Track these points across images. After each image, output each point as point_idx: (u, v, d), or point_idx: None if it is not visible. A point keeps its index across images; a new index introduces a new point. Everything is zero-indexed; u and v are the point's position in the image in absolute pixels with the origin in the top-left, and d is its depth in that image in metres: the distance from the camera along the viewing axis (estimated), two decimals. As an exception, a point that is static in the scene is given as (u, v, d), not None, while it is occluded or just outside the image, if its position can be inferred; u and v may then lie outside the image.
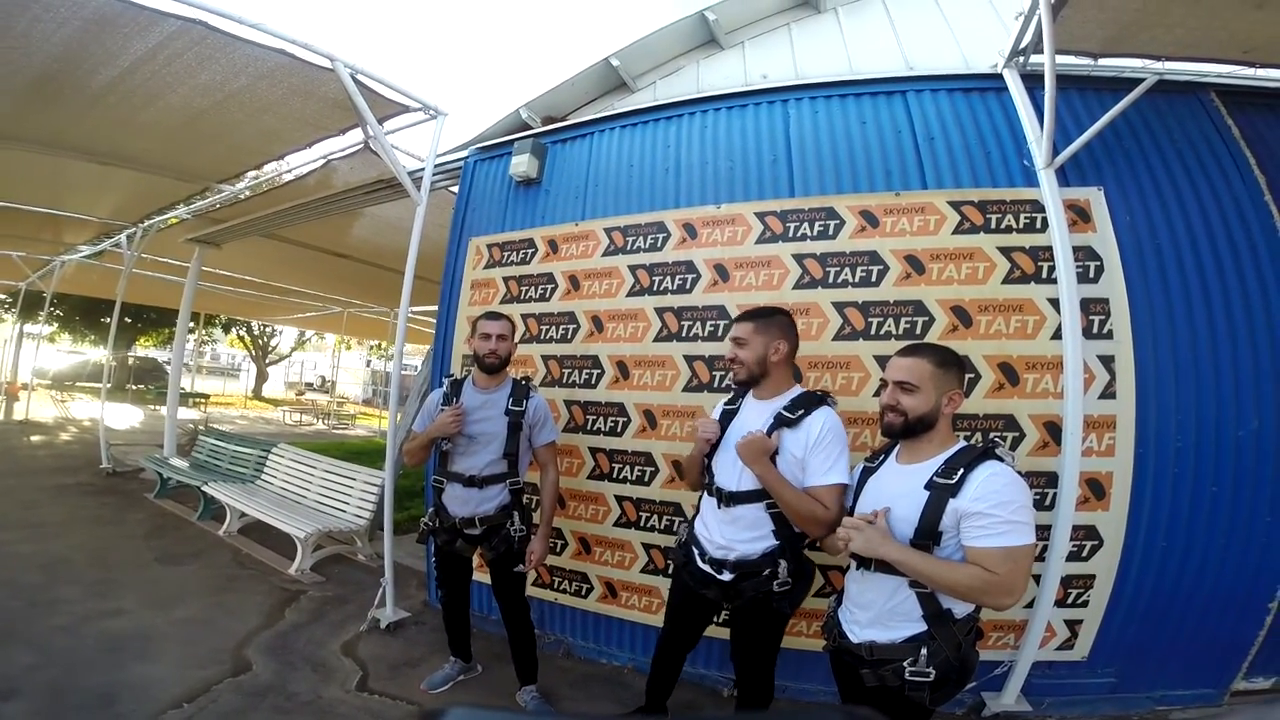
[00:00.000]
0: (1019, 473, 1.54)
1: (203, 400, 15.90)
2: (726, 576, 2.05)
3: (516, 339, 2.90)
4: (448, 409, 2.56)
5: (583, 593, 3.30)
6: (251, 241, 6.84)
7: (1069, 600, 2.63)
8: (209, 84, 3.64)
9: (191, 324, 11.20)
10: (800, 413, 2.00)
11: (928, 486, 1.56)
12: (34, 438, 9.45)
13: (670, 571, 2.35)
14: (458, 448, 2.60)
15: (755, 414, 2.10)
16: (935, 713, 1.62)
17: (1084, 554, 2.61)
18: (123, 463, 7.43)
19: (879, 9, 3.88)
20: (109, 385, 8.69)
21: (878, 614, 1.61)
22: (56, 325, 18.74)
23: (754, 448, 1.95)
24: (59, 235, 8.12)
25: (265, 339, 24.59)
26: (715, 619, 2.32)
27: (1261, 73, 2.92)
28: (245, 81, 3.60)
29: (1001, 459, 1.55)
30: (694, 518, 2.27)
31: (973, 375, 2.69)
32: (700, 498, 2.25)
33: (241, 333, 23.60)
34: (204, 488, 5.34)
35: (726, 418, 2.20)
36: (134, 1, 2.91)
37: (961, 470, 1.53)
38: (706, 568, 2.10)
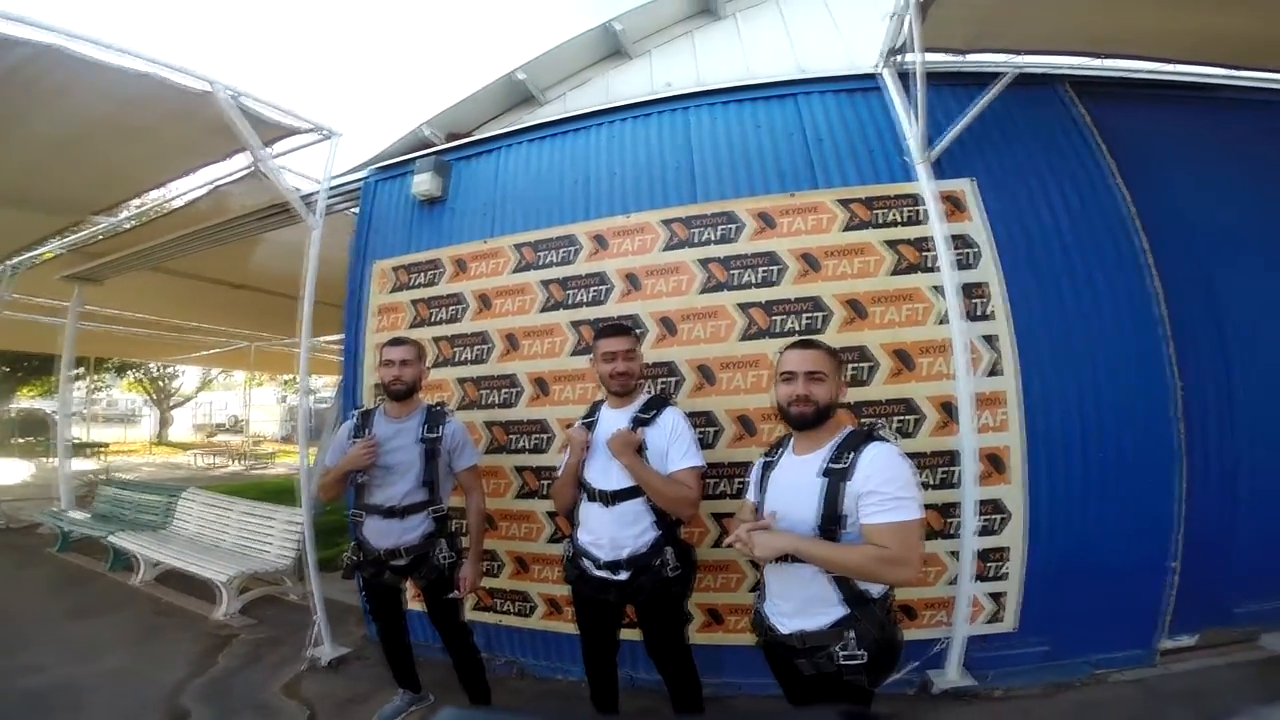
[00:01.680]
0: (902, 452, 1.63)
1: (101, 449, 14.77)
2: (623, 576, 2.18)
3: (427, 363, 2.85)
4: (359, 441, 2.50)
5: (526, 611, 3.27)
6: (139, 276, 6.37)
7: (989, 574, 2.78)
8: (72, 111, 3.42)
9: (80, 369, 10.33)
10: (654, 412, 2.26)
11: (823, 474, 1.62)
12: (-92, 500, 8.54)
13: (571, 589, 2.40)
14: (374, 480, 2.53)
15: (615, 420, 2.29)
16: (881, 695, 1.67)
17: (995, 527, 2.78)
18: (16, 518, 6.93)
19: (774, 14, 4.04)
20: (-10, 440, 7.93)
21: (800, 603, 1.65)
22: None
23: (621, 441, 2.15)
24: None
25: (166, 381, 23.03)
26: (623, 620, 2.39)
27: (1108, 63, 3.22)
28: (113, 107, 3.39)
29: (884, 439, 1.64)
30: (574, 533, 2.36)
31: (872, 364, 2.85)
32: (577, 512, 2.34)
33: (139, 376, 21.97)
34: (110, 538, 5.04)
35: (588, 429, 2.35)
36: None
37: (850, 454, 1.60)
38: (603, 573, 2.21)
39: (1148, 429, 2.81)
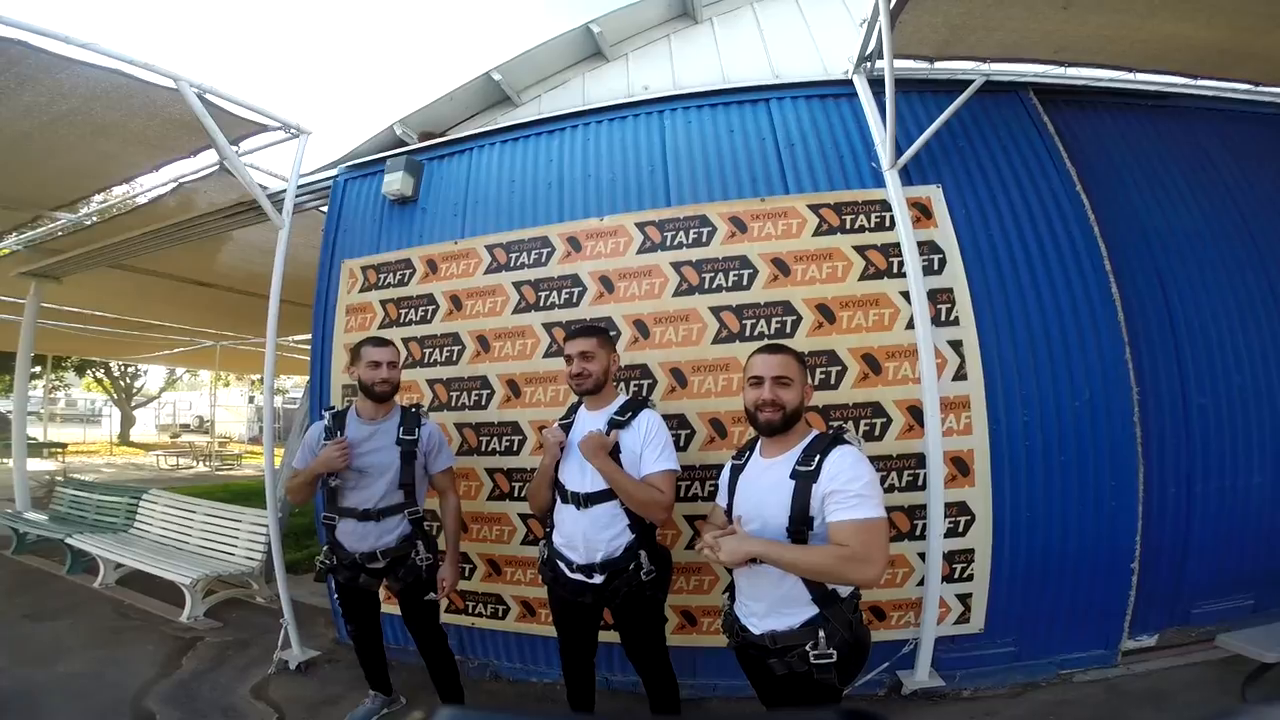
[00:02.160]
0: (865, 455, 1.66)
1: (59, 450, 14.33)
2: (598, 579, 2.18)
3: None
4: (331, 443, 2.45)
5: (500, 614, 3.25)
6: (100, 274, 6.19)
7: (955, 575, 2.82)
8: (32, 105, 3.31)
9: (38, 368, 10.02)
10: (629, 415, 2.25)
11: (792, 476, 1.65)
12: None
13: (547, 590, 2.41)
14: (347, 483, 2.49)
15: (591, 422, 2.30)
16: (851, 695, 1.72)
17: (960, 529, 2.82)
18: (-31, 520, 6.62)
19: (750, 19, 4.06)
20: (-58, 441, 7.65)
21: (771, 604, 1.67)
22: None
23: (593, 443, 2.14)
24: None
25: (128, 380, 22.41)
26: (600, 623, 2.39)
27: (1071, 71, 3.28)
28: (76, 103, 3.30)
29: (849, 443, 1.67)
30: (549, 535, 2.36)
31: (840, 368, 2.89)
32: (553, 515, 2.35)
33: (99, 374, 21.37)
34: (68, 540, 4.91)
35: (564, 431, 2.36)
36: None
37: (818, 457, 1.63)
38: (578, 576, 2.21)
39: (1108, 434, 2.88)
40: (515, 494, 3.22)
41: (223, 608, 4.26)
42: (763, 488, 1.73)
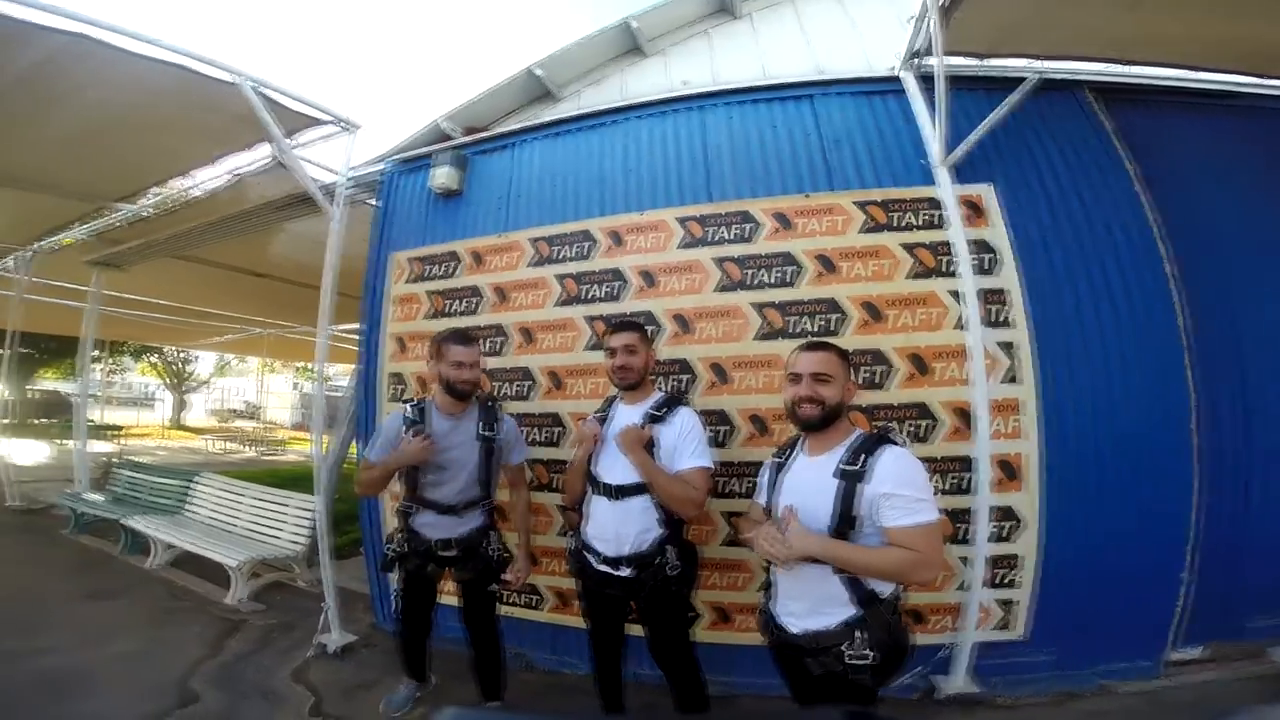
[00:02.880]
0: (914, 455, 1.66)
1: (116, 432, 14.93)
2: (625, 572, 2.20)
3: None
4: (416, 437, 2.43)
5: (535, 604, 3.30)
6: (159, 263, 6.45)
7: (999, 581, 2.76)
8: (101, 100, 3.46)
9: (98, 352, 10.48)
10: (666, 410, 2.27)
11: (836, 475, 1.64)
12: (-74, 479, 8.69)
13: (576, 581, 2.44)
14: (428, 476, 2.50)
15: (628, 416, 2.32)
16: (885, 698, 1.69)
17: (1006, 534, 2.76)
18: (34, 499, 6.96)
19: (791, 15, 4.01)
20: (10, 421, 8.06)
21: (812, 603, 1.66)
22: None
23: (630, 436, 2.18)
24: (-66, 260, 7.46)
25: (181, 365, 23.27)
26: (629, 615, 2.40)
27: (1131, 69, 3.17)
28: (142, 97, 3.43)
29: (896, 442, 1.66)
30: (580, 526, 2.39)
31: (886, 367, 2.85)
32: (587, 505, 2.36)
33: (154, 360, 22.24)
34: (124, 521, 5.09)
35: (601, 424, 2.38)
36: (10, 15, 2.74)
37: (864, 456, 1.62)
38: (604, 568, 2.24)
39: (1164, 441, 2.79)
40: (554, 485, 3.26)
41: (266, 591, 4.39)
42: (807, 486, 1.72)
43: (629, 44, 4.11)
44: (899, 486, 1.55)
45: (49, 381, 21.71)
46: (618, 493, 2.22)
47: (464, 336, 2.56)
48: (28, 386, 19.18)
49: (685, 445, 2.19)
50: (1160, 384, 2.83)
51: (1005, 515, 2.77)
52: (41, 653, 3.18)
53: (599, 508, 2.28)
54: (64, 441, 14.00)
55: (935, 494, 1.66)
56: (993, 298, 2.87)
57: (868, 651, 1.57)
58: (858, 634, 1.57)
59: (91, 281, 6.90)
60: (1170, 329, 2.87)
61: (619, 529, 2.21)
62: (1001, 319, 2.86)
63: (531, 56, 4.47)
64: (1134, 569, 2.77)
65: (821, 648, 1.62)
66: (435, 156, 3.83)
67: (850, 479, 1.61)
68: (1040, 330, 2.86)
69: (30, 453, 11.82)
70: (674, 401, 2.32)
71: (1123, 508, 2.78)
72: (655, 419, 2.24)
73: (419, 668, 2.84)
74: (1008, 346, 2.84)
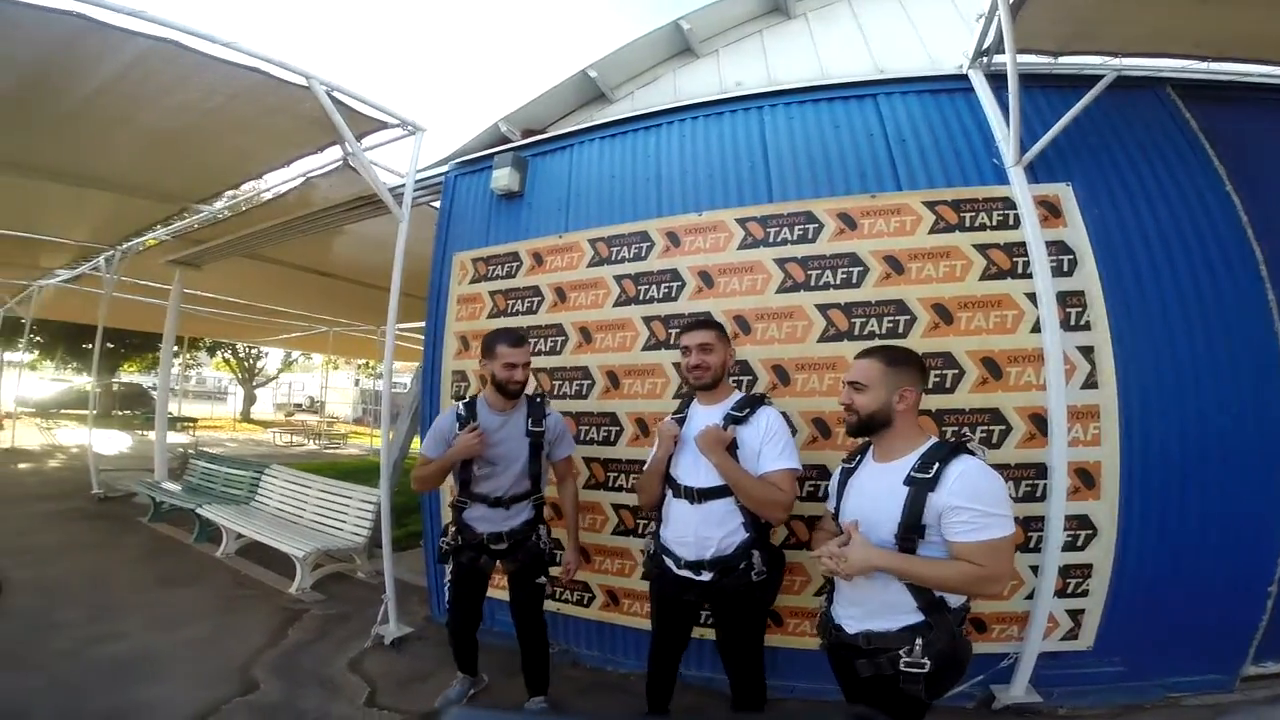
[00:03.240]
0: (990, 466, 1.59)
1: (191, 424, 15.76)
2: (706, 576, 2.14)
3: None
4: (467, 431, 2.51)
5: (585, 601, 3.32)
6: (233, 262, 6.78)
7: (1069, 590, 2.66)
8: (184, 103, 3.60)
9: (176, 348, 11.10)
10: (748, 411, 2.20)
11: (906, 482, 1.59)
12: (21, 465, 9.35)
13: (650, 583, 2.41)
14: (480, 471, 2.57)
15: (706, 417, 2.25)
16: (938, 708, 1.65)
17: (1079, 544, 2.65)
18: (114, 488, 7.37)
19: (847, 14, 3.95)
20: (95, 411, 8.61)
21: (871, 609, 1.64)
22: (38, 353, 18.46)
23: (710, 438, 2.12)
24: (35, 259, 7.97)
25: (251, 361, 24.39)
26: (699, 621, 2.39)
27: (1215, 66, 3.01)
28: (220, 101, 3.56)
29: (973, 453, 1.60)
30: (658, 530, 2.35)
31: (957, 371, 2.76)
32: (665, 508, 2.31)
33: (227, 355, 23.41)
34: (199, 510, 5.34)
35: (678, 425, 2.32)
36: (101, 20, 2.87)
37: (937, 465, 1.57)
38: (685, 573, 2.18)
39: (1259, 452, 2.62)
40: (610, 484, 3.28)
41: (326, 581, 4.53)
42: (874, 492, 1.69)
43: (680, 45, 4.12)
44: (968, 500, 1.51)
45: (129, 375, 23.10)
46: (700, 496, 2.16)
47: (515, 337, 2.59)
48: (111, 379, 20.46)
49: (770, 447, 2.11)
50: (1253, 392, 2.66)
51: (1080, 524, 2.66)
52: (114, 638, 3.34)
53: (679, 510, 2.23)
54: (144, 432, 14.92)
55: (1010, 505, 1.55)
56: (1071, 300, 2.76)
57: (924, 660, 1.53)
58: (918, 640, 1.54)
59: (174, 280, 7.30)
60: (1266, 335, 2.70)
61: (701, 532, 2.15)
62: (1081, 322, 2.74)
63: (585, 58, 4.50)
64: (1216, 580, 2.64)
65: (874, 649, 1.60)
66: (495, 159, 3.91)
67: (920, 486, 1.57)
68: (1121, 334, 2.73)
69: (112, 442, 12.62)
70: (755, 401, 2.24)
71: (1206, 518, 2.64)
72: (736, 419, 2.18)
73: (469, 661, 2.89)
74: (1087, 350, 2.72)
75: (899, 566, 1.56)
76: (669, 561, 2.23)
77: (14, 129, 3.99)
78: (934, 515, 1.54)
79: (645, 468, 2.42)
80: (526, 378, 2.59)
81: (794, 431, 2.88)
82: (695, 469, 2.19)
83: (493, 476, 2.57)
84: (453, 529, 2.68)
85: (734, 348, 2.41)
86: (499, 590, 2.93)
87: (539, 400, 2.70)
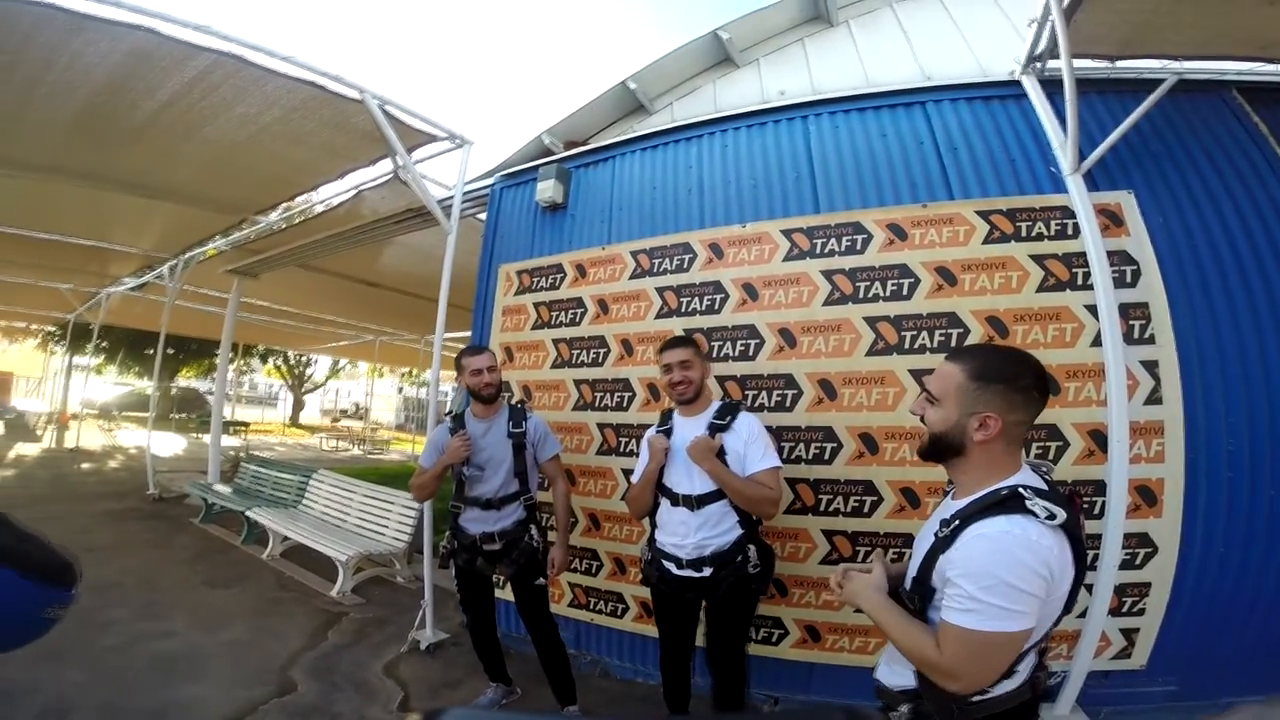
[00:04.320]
0: (1029, 540, 1.14)
1: (243, 428, 16.31)
2: (707, 572, 2.27)
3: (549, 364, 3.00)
4: (454, 438, 2.70)
5: (619, 613, 3.31)
6: (287, 272, 7.02)
7: (1124, 609, 2.57)
8: (244, 116, 3.75)
9: (230, 354, 11.57)
10: (729, 419, 2.36)
11: (936, 532, 1.30)
12: (84, 465, 9.85)
13: (650, 591, 2.50)
14: (471, 475, 2.73)
15: (689, 428, 2.41)
16: None
17: (1138, 561, 2.56)
18: (168, 489, 7.68)
19: (891, 21, 3.89)
20: (154, 414, 9.00)
21: (890, 655, 1.41)
22: (103, 357, 19.42)
23: (701, 447, 2.27)
24: (104, 268, 8.44)
25: (301, 368, 25.19)
26: (699, 619, 2.43)
27: (1281, 67, 2.87)
28: (279, 113, 3.70)
29: (1019, 514, 1.16)
30: (651, 537, 2.48)
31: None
32: (657, 515, 2.45)
33: (278, 363, 24.23)
34: (248, 513, 5.50)
35: (666, 438, 2.46)
36: (169, 35, 3.02)
37: (959, 523, 1.23)
38: (686, 573, 2.30)
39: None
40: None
41: (366, 585, 4.61)
42: (923, 532, 1.43)
43: (719, 55, 4.11)
44: (961, 574, 1.18)
45: (187, 379, 24.10)
46: (699, 502, 2.30)
47: (474, 348, 2.87)
48: (170, 383, 21.38)
49: (753, 449, 2.28)
50: (1330, 409, 2.50)
51: (1139, 542, 2.56)
52: (160, 636, 3.45)
53: (675, 517, 2.36)
54: (198, 435, 15.52)
55: (1027, 594, 1.12)
56: (1134, 312, 2.64)
57: None
58: (904, 707, 1.31)
59: (231, 289, 7.59)
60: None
61: (700, 536, 2.29)
62: (1144, 335, 2.63)
63: (627, 69, 4.53)
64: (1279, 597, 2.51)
65: (882, 699, 1.39)
66: (540, 171, 3.97)
67: (939, 543, 1.26)
68: (1186, 347, 2.61)
69: (168, 444, 13.16)
70: (734, 408, 2.40)
71: (1274, 535, 2.52)
72: (719, 428, 2.33)
73: (496, 668, 2.95)
74: (1150, 365, 2.60)
75: (876, 617, 1.34)
76: (668, 565, 2.35)
77: (89, 140, 4.20)
78: (940, 579, 1.24)
79: (634, 480, 2.54)
80: (496, 381, 2.77)
81: (840, 446, 2.89)
82: (689, 477, 2.34)
83: (482, 480, 2.72)
84: (448, 532, 2.83)
85: (708, 365, 2.55)
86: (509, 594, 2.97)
87: (519, 405, 2.87)
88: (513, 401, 2.92)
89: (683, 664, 2.48)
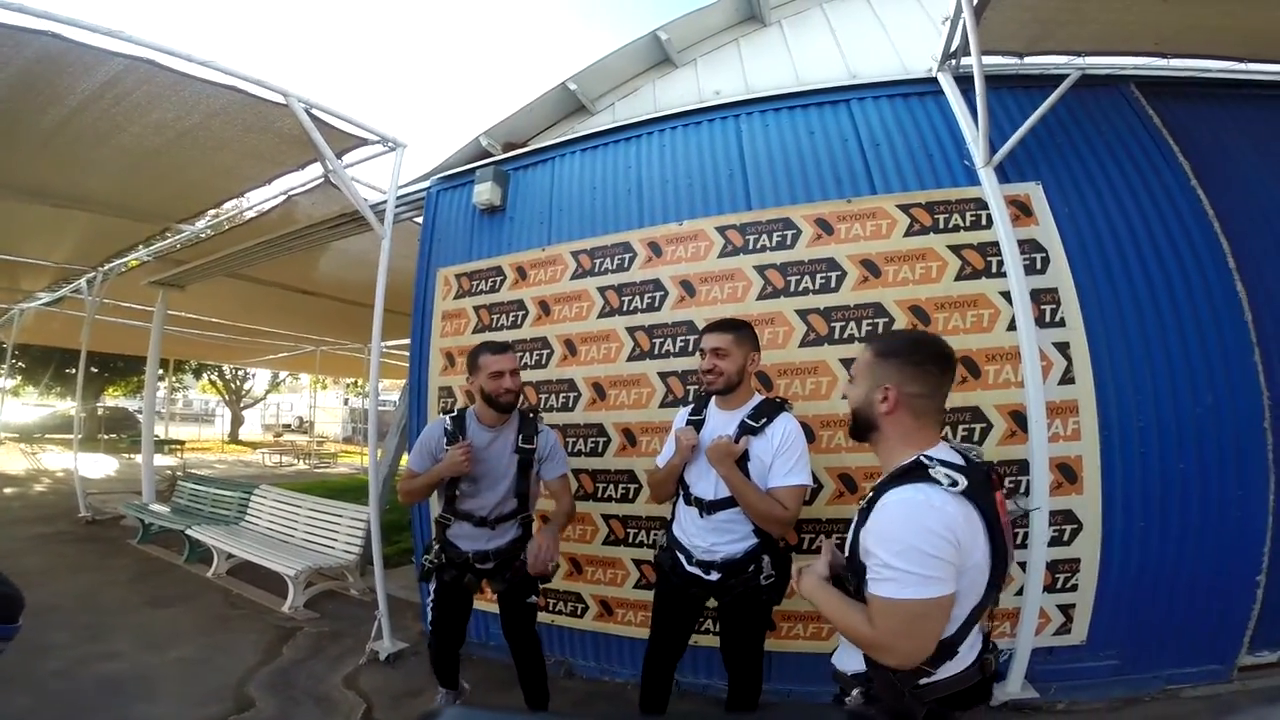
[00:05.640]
0: (930, 503, 1.19)
1: (178, 446, 15.64)
2: (714, 577, 2.15)
3: None
4: (456, 447, 2.39)
5: (578, 612, 3.33)
6: (216, 282, 6.76)
7: (1058, 585, 2.69)
8: (161, 122, 3.61)
9: (161, 370, 11.04)
10: (764, 420, 2.13)
11: (859, 513, 1.35)
12: (6, 490, 9.23)
13: (656, 578, 2.40)
14: (465, 488, 2.47)
15: (722, 422, 2.21)
16: None
17: (1065, 538, 2.69)
18: (101, 511, 7.33)
19: (821, 20, 4.00)
20: (80, 435, 8.54)
21: (842, 642, 1.44)
22: (20, 378, 18.23)
23: (720, 450, 2.08)
24: (15, 282, 7.94)
25: (238, 383, 24.30)
26: (699, 624, 2.38)
27: (1175, 62, 3.09)
28: (198, 119, 3.57)
29: (935, 481, 1.21)
30: (671, 524, 2.35)
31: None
32: (675, 506, 2.34)
33: (213, 377, 23.27)
34: (188, 531, 5.33)
35: (694, 428, 2.28)
36: (78, 40, 2.89)
37: (872, 494, 1.31)
38: (694, 570, 2.19)
39: (1234, 440, 2.68)
40: (599, 495, 3.29)
41: (319, 599, 4.51)
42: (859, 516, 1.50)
43: (659, 55, 4.15)
44: (875, 543, 1.23)
45: (114, 398, 22.89)
46: (710, 508, 2.16)
47: (498, 345, 2.52)
48: (96, 403, 20.25)
49: (781, 461, 2.06)
50: (1227, 381, 2.71)
51: (1065, 519, 2.70)
52: (106, 658, 3.32)
53: (689, 516, 2.24)
54: (130, 455, 14.76)
55: (937, 559, 1.16)
56: (1045, 297, 2.81)
57: (870, 712, 1.32)
58: (856, 690, 1.34)
59: (156, 302, 7.25)
60: (1237, 324, 2.76)
61: (710, 540, 2.17)
62: (1055, 319, 2.80)
63: (565, 70, 4.53)
64: (1203, 572, 2.67)
65: (839, 687, 1.43)
66: (477, 173, 3.92)
67: (860, 518, 1.32)
68: (1094, 329, 2.78)
69: (98, 466, 12.48)
70: (773, 409, 2.16)
71: (1189, 509, 2.68)
72: (750, 429, 2.12)
73: (449, 677, 2.77)
74: (1063, 346, 2.77)
75: (816, 602, 1.37)
76: (681, 557, 2.24)
77: (-7, 147, 3.96)
78: (864, 554, 1.26)
79: (660, 466, 2.35)
80: (518, 387, 2.47)
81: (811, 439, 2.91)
82: (705, 479, 2.19)
83: (476, 495, 2.47)
84: (436, 546, 2.57)
85: (757, 355, 2.27)
86: (490, 603, 2.88)
87: (533, 415, 2.59)
88: (526, 410, 2.58)
89: (668, 664, 2.37)
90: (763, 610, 2.23)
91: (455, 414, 2.58)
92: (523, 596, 2.54)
